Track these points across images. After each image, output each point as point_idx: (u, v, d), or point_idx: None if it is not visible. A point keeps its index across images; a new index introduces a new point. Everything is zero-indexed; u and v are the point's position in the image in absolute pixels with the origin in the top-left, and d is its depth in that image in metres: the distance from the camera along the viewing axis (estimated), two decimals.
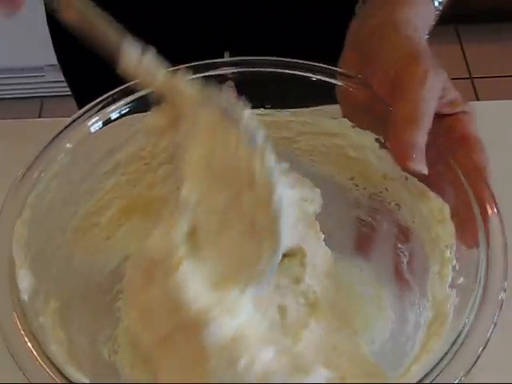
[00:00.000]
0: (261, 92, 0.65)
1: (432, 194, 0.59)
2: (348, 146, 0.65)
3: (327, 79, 0.64)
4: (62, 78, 1.08)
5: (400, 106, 0.56)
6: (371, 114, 0.62)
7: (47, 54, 1.15)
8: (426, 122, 0.55)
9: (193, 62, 0.65)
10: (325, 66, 0.65)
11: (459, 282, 0.54)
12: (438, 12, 0.65)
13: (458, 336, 0.49)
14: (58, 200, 0.64)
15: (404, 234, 0.63)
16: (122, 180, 0.67)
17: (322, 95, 0.65)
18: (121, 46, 0.57)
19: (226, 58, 0.71)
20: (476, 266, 0.52)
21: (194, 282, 0.55)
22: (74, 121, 0.64)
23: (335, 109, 0.65)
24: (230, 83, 0.65)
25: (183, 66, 0.64)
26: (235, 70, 0.66)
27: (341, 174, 0.67)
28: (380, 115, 0.60)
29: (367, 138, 0.63)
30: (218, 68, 0.66)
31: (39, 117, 2.15)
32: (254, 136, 0.55)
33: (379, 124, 0.61)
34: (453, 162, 0.57)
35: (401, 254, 0.63)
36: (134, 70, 0.58)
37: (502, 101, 0.85)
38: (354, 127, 0.64)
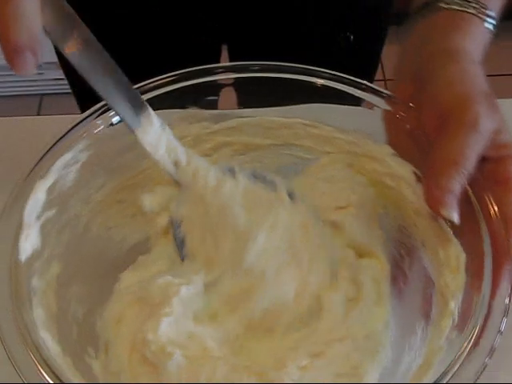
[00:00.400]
0: (257, 97, 0.66)
1: (455, 240, 0.56)
2: (385, 174, 0.64)
3: (328, 83, 0.64)
4: (61, 76, 1.08)
5: (443, 145, 0.53)
6: (415, 145, 0.60)
7: (46, 52, 1.14)
8: (467, 168, 0.53)
9: (191, 56, 0.66)
10: (322, 70, 0.64)
11: (452, 337, 0.53)
12: (491, 36, 0.62)
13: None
14: (85, 171, 0.64)
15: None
16: None
17: (325, 99, 0.65)
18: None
19: (224, 63, 0.68)
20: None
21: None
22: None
23: (379, 133, 0.64)
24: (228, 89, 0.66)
25: (183, 71, 0.64)
26: (232, 76, 0.66)
27: (374, 201, 0.65)
28: (423, 148, 0.58)
29: (406, 169, 0.62)
30: (215, 74, 0.66)
31: (38, 114, 2.14)
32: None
33: (421, 156, 0.59)
34: (478, 206, 0.55)
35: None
36: (153, 150, 0.59)
37: (503, 99, 0.84)
38: (394, 155, 0.63)
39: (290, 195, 0.61)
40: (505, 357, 0.55)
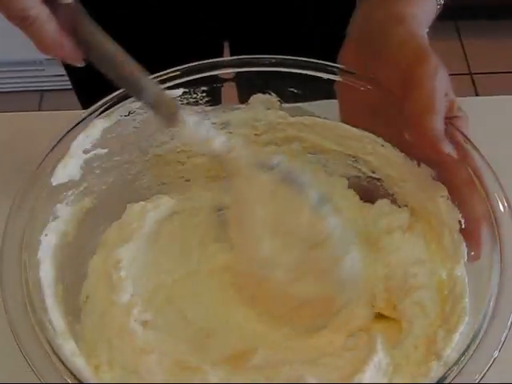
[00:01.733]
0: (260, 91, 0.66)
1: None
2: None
3: (326, 76, 0.64)
4: (62, 72, 1.07)
5: (416, 97, 0.56)
6: (370, 112, 0.63)
7: None
8: (443, 109, 0.56)
9: (193, 52, 0.65)
10: (323, 62, 0.64)
11: None
12: (439, 7, 0.66)
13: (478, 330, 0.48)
14: (150, 124, 0.64)
15: None
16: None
17: (325, 92, 0.65)
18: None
19: (226, 58, 0.68)
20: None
21: None
22: None
23: None
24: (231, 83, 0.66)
25: (186, 66, 0.64)
26: (235, 71, 0.65)
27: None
28: (386, 113, 0.61)
29: None
30: (218, 68, 0.65)
31: (38, 110, 2.09)
32: (319, 201, 0.58)
33: (380, 121, 0.62)
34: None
35: None
36: (192, 138, 0.59)
37: (502, 96, 0.85)
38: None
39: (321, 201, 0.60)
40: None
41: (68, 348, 0.50)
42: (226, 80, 0.66)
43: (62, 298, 0.55)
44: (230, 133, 0.66)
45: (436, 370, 0.48)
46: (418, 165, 0.60)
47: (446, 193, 0.57)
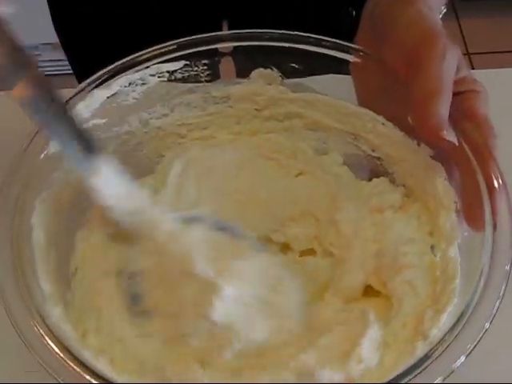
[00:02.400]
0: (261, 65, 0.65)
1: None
2: None
3: (324, 51, 0.63)
4: (58, 57, 1.06)
5: (422, 80, 0.55)
6: (385, 94, 0.62)
7: (42, 33, 1.12)
8: (449, 94, 0.55)
9: (191, 31, 0.64)
10: (324, 38, 0.64)
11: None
12: None
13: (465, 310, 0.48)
14: (150, 97, 0.64)
15: None
16: (229, 112, 0.67)
17: (326, 67, 0.64)
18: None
19: (224, 32, 0.68)
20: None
21: None
22: None
23: None
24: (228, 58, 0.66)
25: (183, 39, 0.63)
26: (238, 44, 0.65)
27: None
28: (394, 95, 0.60)
29: None
30: (219, 42, 0.65)
31: None
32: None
33: (392, 103, 0.61)
34: (462, 138, 0.56)
35: None
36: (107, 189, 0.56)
37: (499, 69, 0.83)
38: None
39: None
40: None
41: (55, 314, 0.51)
42: (225, 54, 0.65)
43: (54, 265, 0.55)
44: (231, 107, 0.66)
45: (421, 349, 0.48)
46: (418, 144, 0.59)
47: (444, 174, 0.57)
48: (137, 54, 0.63)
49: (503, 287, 0.48)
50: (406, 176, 0.61)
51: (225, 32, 0.66)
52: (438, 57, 0.55)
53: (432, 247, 0.57)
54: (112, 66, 0.62)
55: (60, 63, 1.05)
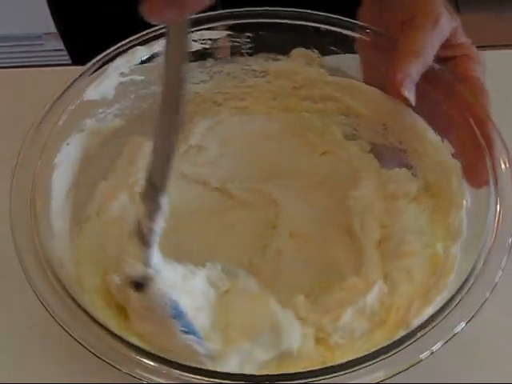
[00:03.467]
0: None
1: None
2: None
3: (328, 27, 0.64)
4: (61, 47, 1.06)
5: (407, 38, 0.58)
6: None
7: (45, 22, 1.12)
8: (426, 59, 0.58)
9: None
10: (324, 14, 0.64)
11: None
12: None
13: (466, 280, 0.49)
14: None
15: None
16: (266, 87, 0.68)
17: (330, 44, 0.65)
18: None
19: (220, 11, 0.66)
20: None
21: None
22: None
23: None
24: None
25: (229, 10, 0.64)
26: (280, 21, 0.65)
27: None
28: None
29: None
30: (211, 22, 0.65)
31: None
32: None
33: None
34: (456, 99, 0.58)
35: None
36: None
37: (499, 50, 0.85)
38: None
39: None
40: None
41: (60, 248, 0.53)
42: (272, 30, 0.65)
43: (70, 207, 0.58)
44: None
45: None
46: (442, 140, 0.59)
47: (459, 171, 0.57)
48: None
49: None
50: (427, 171, 0.62)
51: (273, 8, 0.67)
52: (430, 22, 0.58)
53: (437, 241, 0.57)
54: (156, 28, 0.63)
55: (63, 53, 1.05)
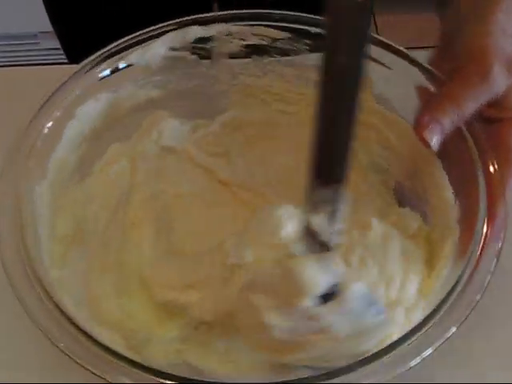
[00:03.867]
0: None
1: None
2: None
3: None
4: (57, 46, 1.06)
5: (449, 87, 0.55)
6: None
7: (42, 21, 1.12)
8: (464, 112, 0.54)
9: (180, 14, 0.64)
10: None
11: None
12: None
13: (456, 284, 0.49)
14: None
15: None
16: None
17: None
18: None
19: (216, 13, 0.66)
20: None
21: None
22: None
23: None
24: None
25: (174, 21, 0.63)
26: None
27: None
28: None
29: None
30: (207, 23, 0.65)
31: None
32: None
33: None
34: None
35: None
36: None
37: None
38: None
39: None
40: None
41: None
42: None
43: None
44: None
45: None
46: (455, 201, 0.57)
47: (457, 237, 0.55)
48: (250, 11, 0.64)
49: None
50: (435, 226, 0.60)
51: None
52: (479, 74, 0.54)
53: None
54: (152, 28, 0.63)
55: (60, 52, 1.05)
